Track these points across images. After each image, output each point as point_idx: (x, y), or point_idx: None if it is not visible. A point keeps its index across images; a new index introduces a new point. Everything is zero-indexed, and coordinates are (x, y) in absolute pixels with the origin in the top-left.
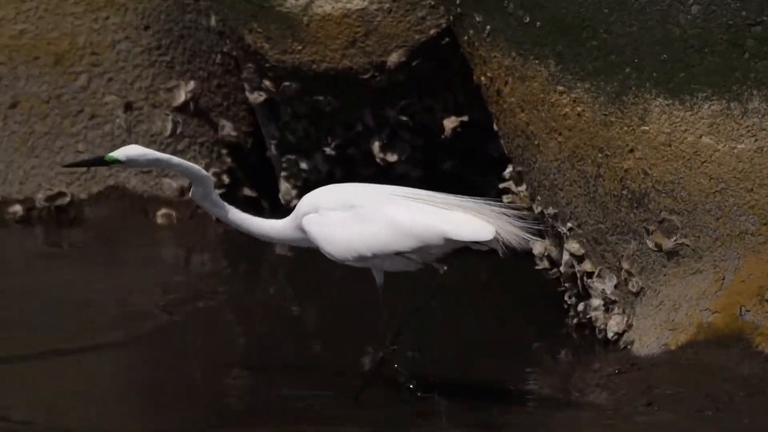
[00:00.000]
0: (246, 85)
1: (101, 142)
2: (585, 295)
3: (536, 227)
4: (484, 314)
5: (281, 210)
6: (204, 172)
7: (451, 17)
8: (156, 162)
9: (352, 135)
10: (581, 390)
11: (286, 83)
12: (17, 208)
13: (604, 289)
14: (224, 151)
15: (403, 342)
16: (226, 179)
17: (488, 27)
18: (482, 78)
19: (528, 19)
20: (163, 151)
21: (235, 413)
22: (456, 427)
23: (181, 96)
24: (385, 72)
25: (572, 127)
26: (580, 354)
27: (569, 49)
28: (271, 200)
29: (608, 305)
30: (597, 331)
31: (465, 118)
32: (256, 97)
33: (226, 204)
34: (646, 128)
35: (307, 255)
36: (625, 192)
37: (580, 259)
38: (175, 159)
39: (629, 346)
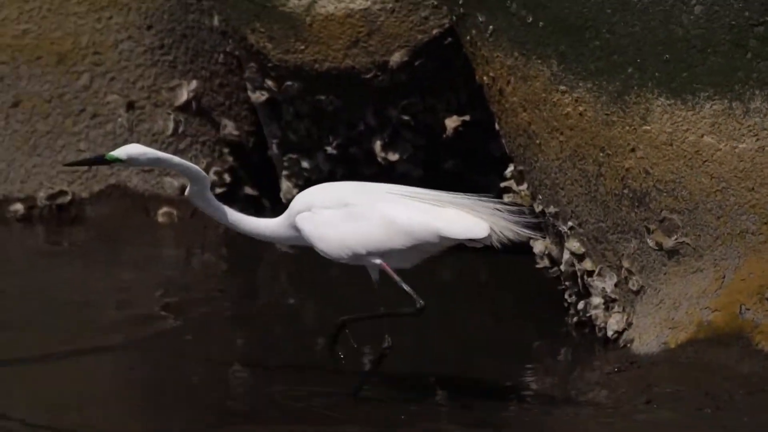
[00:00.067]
0: (248, 85)
1: (103, 141)
2: (585, 293)
3: (531, 221)
4: (484, 312)
5: (282, 209)
6: (203, 172)
7: (454, 17)
8: (156, 161)
9: (353, 134)
10: (581, 388)
11: (289, 83)
12: (19, 207)
13: (604, 288)
14: (226, 150)
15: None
16: (227, 178)
17: (491, 27)
18: (484, 78)
19: (531, 19)
20: (165, 150)
21: (236, 413)
22: (456, 425)
23: (184, 95)
24: (388, 72)
25: (574, 126)
26: (580, 352)
27: (572, 49)
28: (273, 199)
29: (608, 304)
30: (597, 330)
31: (467, 118)
32: (258, 97)
33: (221, 204)
34: (648, 128)
35: (307, 254)
36: (626, 191)
37: (581, 257)
38: (176, 158)
39: (629, 345)
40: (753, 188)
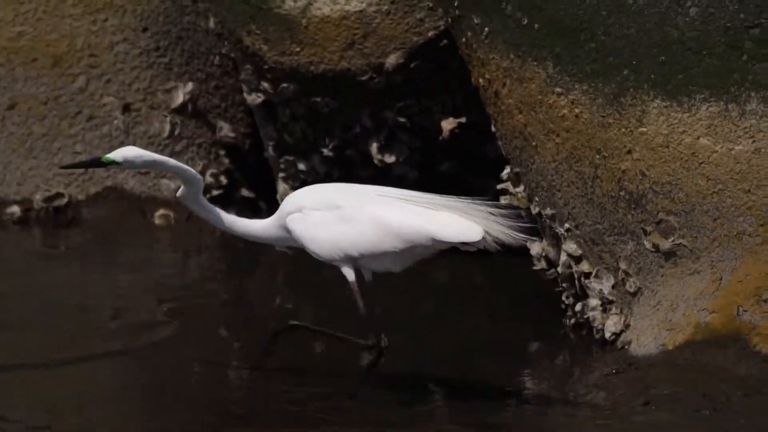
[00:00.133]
0: (244, 87)
1: (99, 143)
2: (582, 295)
3: (525, 225)
4: (482, 314)
5: None
6: (197, 175)
7: (450, 19)
8: (152, 163)
9: (349, 136)
10: (578, 390)
11: (284, 85)
12: (15, 209)
13: (601, 290)
14: (222, 153)
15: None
16: (224, 180)
17: (486, 29)
18: (480, 80)
19: (526, 21)
20: (161, 152)
21: (233, 414)
22: (453, 426)
23: (179, 97)
24: (384, 74)
25: (570, 128)
26: (577, 354)
27: (567, 51)
28: (269, 201)
29: (606, 305)
30: (594, 332)
31: (463, 120)
32: (254, 99)
33: (213, 206)
34: (644, 129)
35: (304, 255)
36: (622, 193)
37: (578, 259)
38: (171, 161)
39: (626, 346)
40: (749, 190)
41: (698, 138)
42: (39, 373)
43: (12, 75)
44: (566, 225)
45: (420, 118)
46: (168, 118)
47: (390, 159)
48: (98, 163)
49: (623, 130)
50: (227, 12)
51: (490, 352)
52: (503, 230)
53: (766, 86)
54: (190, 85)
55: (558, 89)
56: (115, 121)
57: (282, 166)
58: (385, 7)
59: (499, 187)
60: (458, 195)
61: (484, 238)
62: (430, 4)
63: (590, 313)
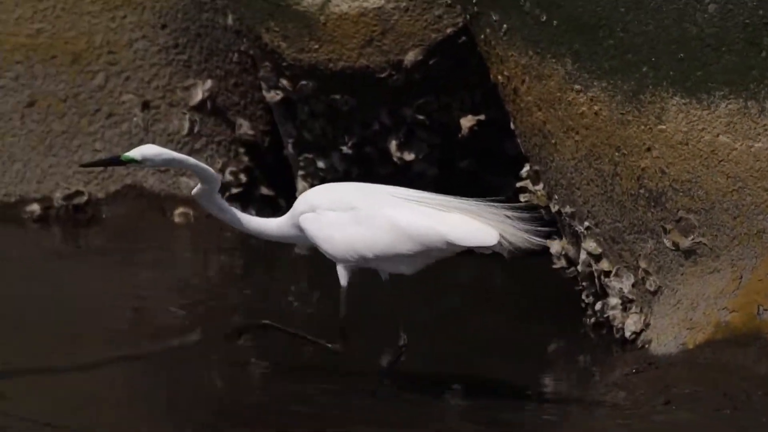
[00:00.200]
0: (263, 84)
1: (119, 140)
2: (602, 294)
3: (541, 228)
4: (501, 313)
5: None
6: (215, 173)
7: (468, 16)
8: (171, 162)
9: (368, 134)
10: (599, 389)
11: (303, 82)
12: (35, 207)
13: (621, 288)
14: (241, 150)
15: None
16: (243, 178)
17: (505, 26)
18: (499, 77)
19: (545, 17)
20: (181, 149)
21: (250, 414)
22: (472, 425)
23: (198, 95)
24: (402, 71)
25: (589, 125)
26: (597, 353)
27: (586, 47)
28: (289, 199)
29: (626, 304)
30: (614, 330)
31: (482, 117)
32: (273, 96)
33: (227, 205)
34: (663, 127)
35: (323, 255)
36: (642, 191)
37: (598, 257)
38: (191, 159)
39: (647, 345)
40: None
41: (718, 135)
42: (58, 373)
43: (31, 72)
44: (586, 223)
45: (439, 115)
46: (187, 116)
47: (409, 156)
48: (118, 161)
49: (642, 127)
50: (246, 9)
51: (510, 351)
52: (519, 234)
53: None
54: (209, 83)
55: (577, 86)
56: (135, 119)
57: (301, 163)
58: (404, 4)
59: (518, 184)
60: (477, 192)
61: (499, 241)
62: (449, 1)
63: (610, 312)
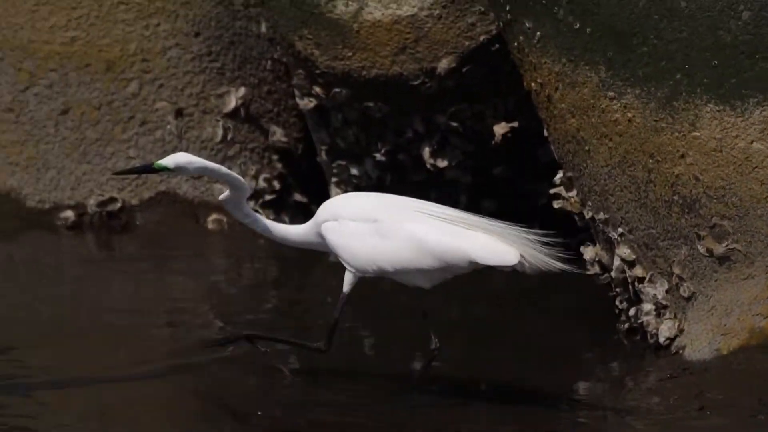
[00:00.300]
0: (296, 92)
1: (152, 148)
2: (636, 300)
3: (561, 255)
4: (534, 319)
5: None
6: (245, 183)
7: (501, 23)
8: (203, 170)
9: (402, 141)
10: (632, 395)
11: (337, 89)
12: (69, 214)
13: (655, 294)
14: (275, 157)
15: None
16: (276, 185)
17: (538, 33)
18: (532, 84)
19: (578, 25)
20: (214, 156)
21: (282, 422)
22: (505, 429)
23: (232, 102)
24: (435, 78)
25: (623, 132)
26: (631, 359)
27: (619, 55)
28: None
29: (660, 310)
30: (648, 336)
31: (515, 124)
32: (307, 103)
33: (253, 212)
34: (697, 134)
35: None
36: (676, 197)
37: (631, 264)
38: (223, 168)
39: (681, 351)
40: None
41: (752, 142)
42: (91, 381)
43: (65, 80)
44: (619, 229)
45: (472, 122)
46: (220, 123)
47: (442, 163)
48: (150, 169)
49: (676, 134)
50: (279, 17)
51: (543, 357)
52: (539, 256)
53: None
54: (242, 90)
55: (611, 93)
56: (168, 126)
57: (335, 170)
58: (437, 12)
59: (551, 191)
60: (510, 199)
61: (520, 261)
62: (482, 9)
63: (644, 318)
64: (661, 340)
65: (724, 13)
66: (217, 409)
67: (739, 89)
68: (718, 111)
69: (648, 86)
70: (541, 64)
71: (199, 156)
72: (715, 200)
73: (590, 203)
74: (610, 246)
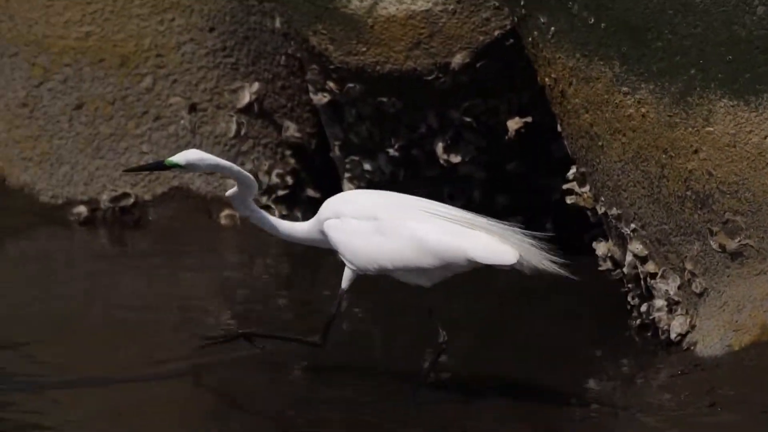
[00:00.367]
0: (310, 87)
1: (166, 143)
2: (648, 296)
3: (559, 260)
4: (545, 314)
5: None
6: (255, 182)
7: (516, 18)
8: (215, 167)
9: (415, 136)
10: (643, 391)
11: (350, 84)
12: (82, 209)
13: (667, 290)
14: (288, 152)
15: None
16: (289, 180)
17: (553, 28)
18: (546, 79)
19: (593, 20)
20: (228, 151)
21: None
22: (515, 427)
23: (246, 97)
24: (449, 73)
25: (636, 128)
26: (642, 355)
27: (634, 50)
28: None
29: (671, 306)
30: (660, 332)
31: (529, 119)
32: (320, 99)
33: (258, 209)
34: (711, 129)
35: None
36: (689, 193)
37: (644, 259)
38: (234, 166)
39: (692, 347)
40: None
41: (765, 137)
42: (101, 377)
43: (79, 75)
44: (632, 225)
45: (486, 117)
46: (234, 118)
47: (456, 159)
48: (161, 166)
49: (690, 129)
50: (293, 12)
51: (554, 353)
52: (538, 256)
53: None
54: (256, 85)
55: (624, 88)
56: (182, 121)
57: (348, 166)
58: (451, 7)
59: (564, 186)
60: (525, 194)
61: (519, 261)
62: (496, 4)
63: (656, 314)
64: (673, 336)
65: (739, 8)
66: (224, 407)
67: (754, 84)
68: (732, 106)
69: (662, 81)
70: (555, 59)
71: (213, 151)
72: (728, 196)
73: (603, 199)
74: (622, 242)
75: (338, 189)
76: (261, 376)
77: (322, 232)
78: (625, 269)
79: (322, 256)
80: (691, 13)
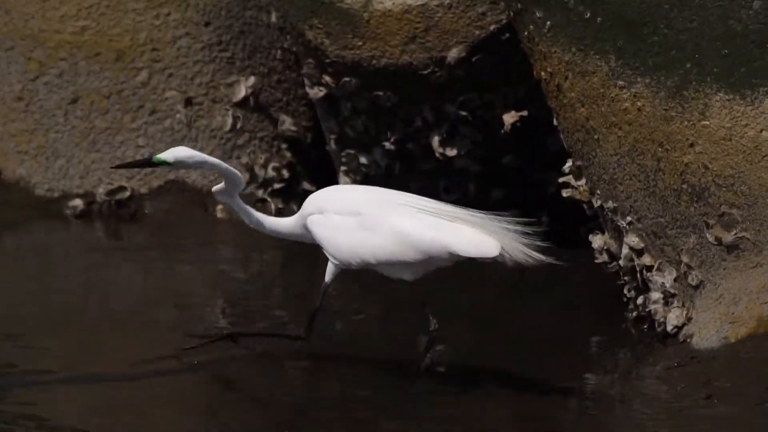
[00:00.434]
0: (306, 81)
1: (161, 137)
2: (644, 288)
3: (542, 244)
4: (541, 307)
5: None
6: (242, 179)
7: (512, 13)
8: (203, 164)
9: (411, 130)
10: (640, 383)
11: (346, 79)
12: (78, 203)
13: (663, 283)
14: (284, 146)
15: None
16: (285, 174)
17: (548, 23)
18: (542, 73)
19: (588, 14)
20: (224, 145)
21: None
22: (514, 421)
23: (242, 91)
24: (445, 67)
25: (632, 121)
26: (639, 347)
27: (630, 44)
28: None
29: (668, 298)
30: (656, 325)
31: (524, 113)
32: (316, 93)
33: (245, 204)
34: (707, 123)
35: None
36: (685, 186)
37: (640, 252)
38: (222, 163)
39: (688, 340)
40: None
41: (761, 131)
42: (99, 371)
43: (75, 69)
44: (628, 218)
45: (482, 111)
46: (230, 112)
47: (451, 152)
48: (150, 163)
49: (686, 123)
50: (289, 6)
51: (550, 346)
52: (520, 248)
53: None
54: (252, 79)
55: (620, 82)
56: (178, 115)
57: (344, 159)
58: (447, 1)
59: (560, 180)
60: (521, 188)
61: (501, 253)
62: None
63: (652, 307)
64: (669, 328)
65: (735, 3)
66: (221, 403)
67: (749, 78)
68: (728, 100)
69: (658, 75)
70: (551, 53)
71: (209, 145)
72: (724, 189)
73: (599, 192)
74: (618, 234)
75: (334, 182)
76: (257, 371)
77: (306, 228)
78: (621, 262)
79: (317, 250)
80: (687, 7)
